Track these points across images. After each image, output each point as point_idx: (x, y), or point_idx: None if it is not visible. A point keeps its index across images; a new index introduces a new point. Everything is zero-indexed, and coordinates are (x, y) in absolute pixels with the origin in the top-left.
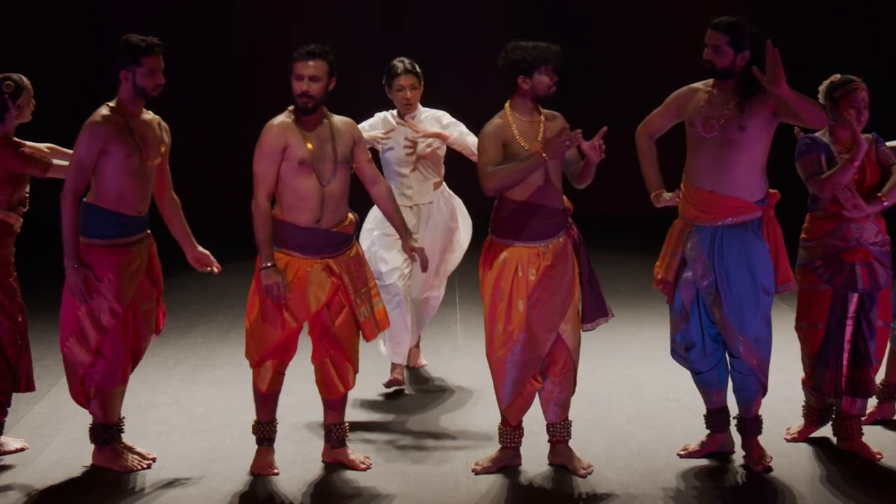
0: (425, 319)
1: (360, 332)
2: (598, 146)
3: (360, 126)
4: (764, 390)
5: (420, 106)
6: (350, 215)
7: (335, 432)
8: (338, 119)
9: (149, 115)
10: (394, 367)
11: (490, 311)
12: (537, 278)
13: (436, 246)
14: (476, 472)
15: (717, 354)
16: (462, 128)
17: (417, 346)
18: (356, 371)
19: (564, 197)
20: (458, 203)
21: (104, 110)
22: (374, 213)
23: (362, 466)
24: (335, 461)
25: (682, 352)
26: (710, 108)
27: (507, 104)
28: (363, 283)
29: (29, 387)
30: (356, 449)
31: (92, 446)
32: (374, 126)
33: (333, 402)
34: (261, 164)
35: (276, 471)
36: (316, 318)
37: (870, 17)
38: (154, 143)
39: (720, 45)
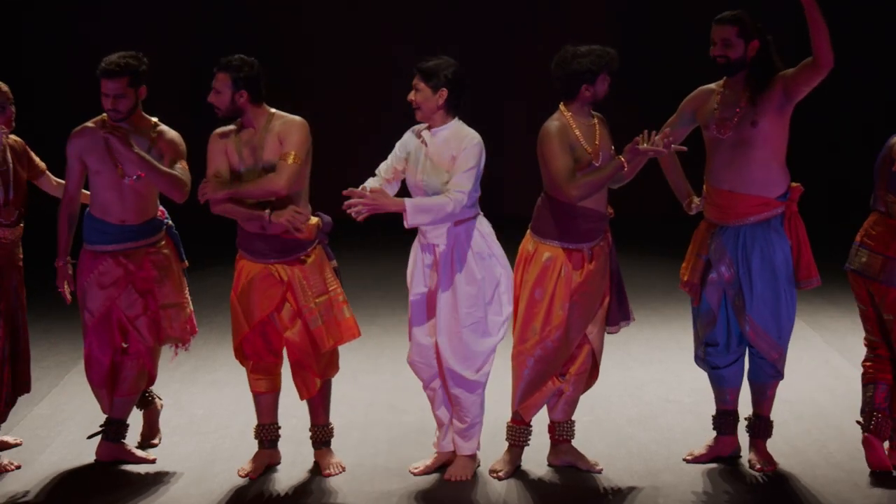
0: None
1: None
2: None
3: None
4: (780, 377)
5: (455, 121)
6: (312, 220)
7: (314, 432)
8: (280, 122)
9: (151, 128)
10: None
11: (528, 308)
12: (581, 280)
13: (455, 305)
14: (500, 478)
15: (738, 353)
16: (459, 179)
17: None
18: (322, 378)
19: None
20: (492, 241)
21: (90, 122)
22: None
23: (325, 472)
24: (317, 461)
25: (702, 354)
26: (723, 109)
27: (561, 105)
28: (320, 292)
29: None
30: (357, 447)
31: (92, 448)
32: (401, 147)
33: (309, 402)
34: (207, 168)
35: (244, 472)
36: (274, 321)
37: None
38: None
39: (730, 37)
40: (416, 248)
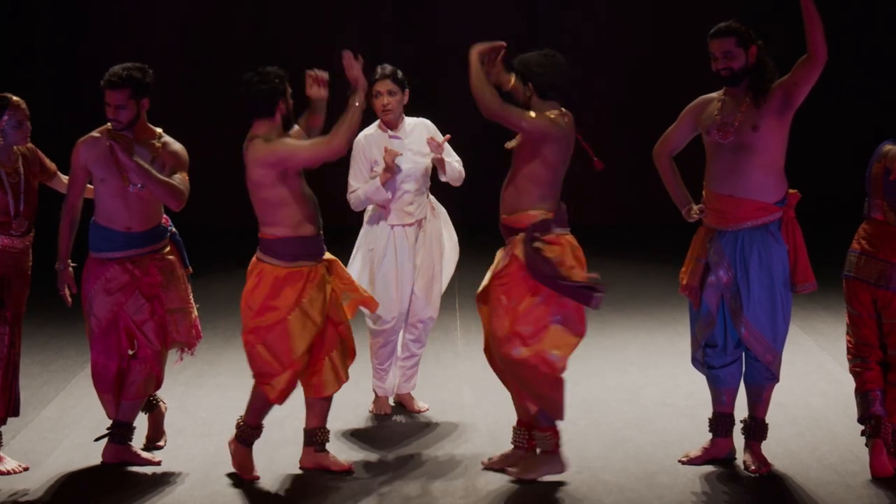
0: (417, 346)
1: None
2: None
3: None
4: (776, 380)
5: (405, 116)
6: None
7: (316, 436)
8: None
9: (155, 138)
10: (377, 398)
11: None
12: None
13: (433, 262)
14: (486, 466)
15: (735, 356)
16: (452, 153)
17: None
18: (341, 369)
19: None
20: (444, 211)
21: (96, 131)
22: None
23: (335, 467)
24: (317, 466)
25: (701, 356)
26: (724, 114)
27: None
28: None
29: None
30: (358, 450)
31: (98, 450)
32: (362, 157)
33: (314, 400)
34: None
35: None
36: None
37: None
38: None
39: (730, 49)
40: (396, 235)
